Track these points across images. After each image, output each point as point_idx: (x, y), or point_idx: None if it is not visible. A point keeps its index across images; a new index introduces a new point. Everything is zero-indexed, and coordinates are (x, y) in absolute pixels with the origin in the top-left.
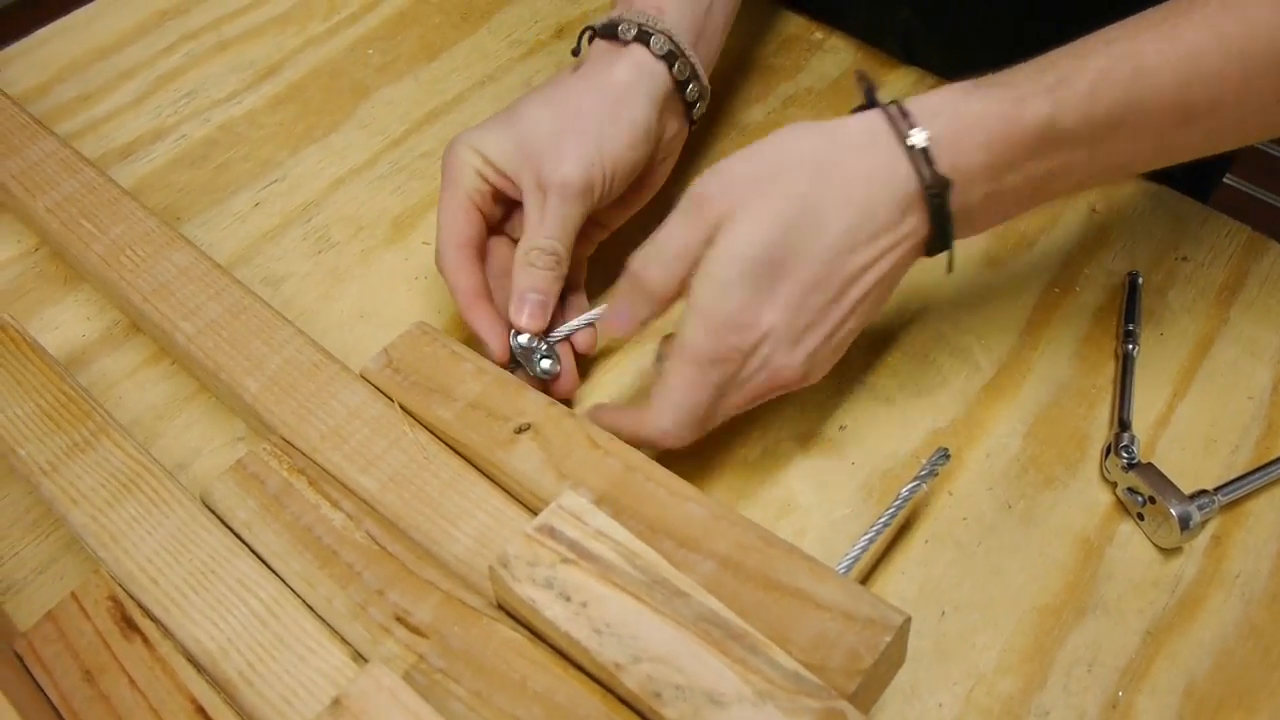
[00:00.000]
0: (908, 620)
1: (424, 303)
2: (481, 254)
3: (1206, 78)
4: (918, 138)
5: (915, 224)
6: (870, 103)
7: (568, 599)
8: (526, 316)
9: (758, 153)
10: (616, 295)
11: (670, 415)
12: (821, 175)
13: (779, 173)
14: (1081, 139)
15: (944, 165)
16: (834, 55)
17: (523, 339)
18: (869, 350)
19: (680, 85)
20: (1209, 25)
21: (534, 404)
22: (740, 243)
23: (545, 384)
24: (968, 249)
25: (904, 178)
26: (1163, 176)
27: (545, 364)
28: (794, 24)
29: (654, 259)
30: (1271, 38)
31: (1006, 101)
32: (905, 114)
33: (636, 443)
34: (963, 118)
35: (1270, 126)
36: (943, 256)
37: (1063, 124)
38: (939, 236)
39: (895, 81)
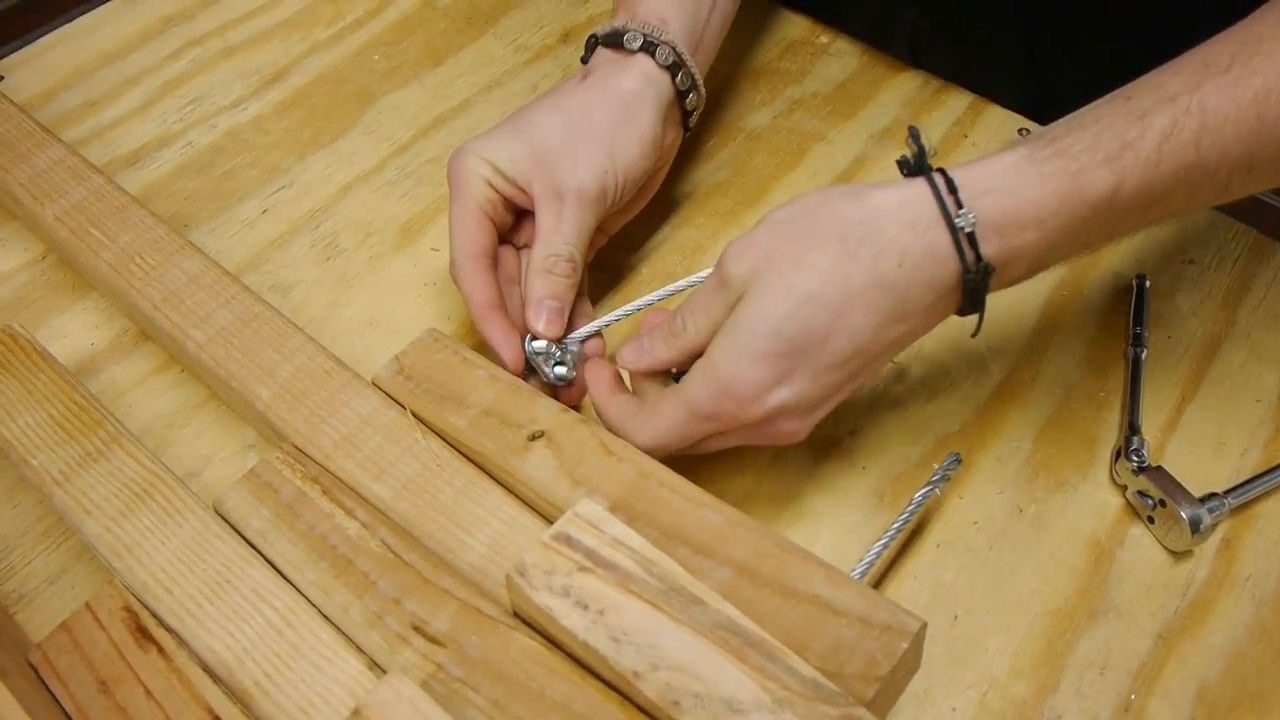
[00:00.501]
0: (924, 626)
1: (433, 309)
2: (495, 263)
3: (1273, 125)
4: (964, 220)
5: (948, 304)
6: (918, 166)
7: (585, 607)
8: (544, 323)
9: (787, 221)
10: (650, 332)
11: (648, 439)
12: (851, 251)
13: (807, 244)
14: (1140, 205)
15: (989, 249)
16: (840, 59)
17: (538, 344)
18: None
19: (681, 95)
20: (1276, 68)
21: (547, 411)
22: (759, 315)
23: (556, 390)
24: None
25: (942, 259)
26: None
27: (560, 370)
28: (799, 27)
29: (688, 312)
30: None
31: (1065, 177)
32: (953, 188)
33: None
34: (1016, 196)
35: None
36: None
37: (1125, 194)
38: (970, 309)
39: (902, 85)
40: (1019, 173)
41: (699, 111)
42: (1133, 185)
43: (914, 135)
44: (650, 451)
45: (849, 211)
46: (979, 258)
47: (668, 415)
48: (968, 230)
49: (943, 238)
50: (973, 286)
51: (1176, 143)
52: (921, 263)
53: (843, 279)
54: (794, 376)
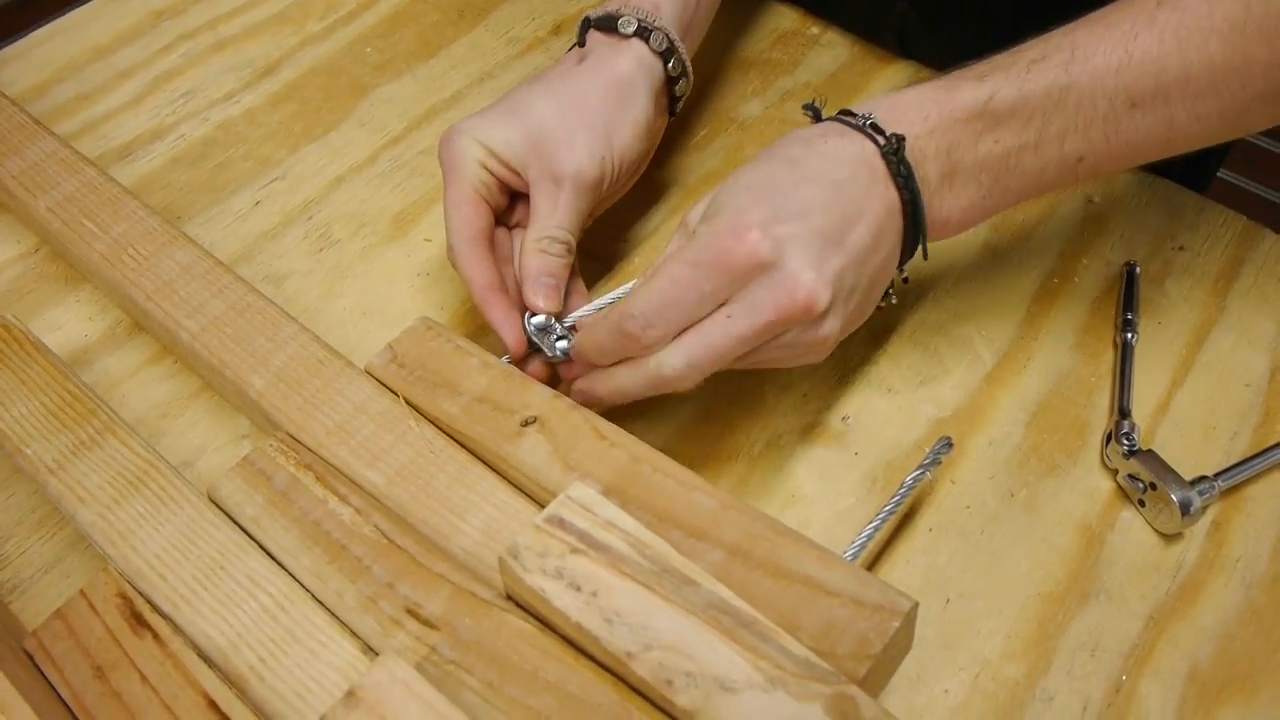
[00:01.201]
0: (915, 605)
1: (426, 299)
2: (492, 246)
3: (1144, 61)
4: (861, 120)
5: (886, 189)
6: (817, 120)
7: (577, 589)
8: (544, 298)
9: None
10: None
11: (645, 301)
12: (796, 156)
13: (755, 162)
14: (1020, 115)
15: (891, 130)
16: (831, 50)
17: (539, 320)
18: (870, 341)
19: (672, 80)
20: (1145, 13)
21: (540, 397)
22: (727, 193)
23: (558, 367)
24: (967, 240)
25: (861, 146)
26: (1157, 170)
27: (563, 344)
28: (790, 19)
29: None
30: (1204, 24)
31: (938, 87)
32: (849, 112)
33: (617, 343)
34: (898, 100)
35: (1234, 121)
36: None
37: (999, 102)
38: (911, 210)
39: (891, 76)
40: (899, 92)
41: (685, 97)
42: (1006, 96)
43: (809, 107)
44: (651, 319)
45: (787, 141)
46: (887, 138)
47: (663, 267)
48: (869, 123)
49: (854, 134)
50: (896, 162)
51: (1046, 65)
52: (851, 155)
53: (797, 165)
54: (780, 216)
